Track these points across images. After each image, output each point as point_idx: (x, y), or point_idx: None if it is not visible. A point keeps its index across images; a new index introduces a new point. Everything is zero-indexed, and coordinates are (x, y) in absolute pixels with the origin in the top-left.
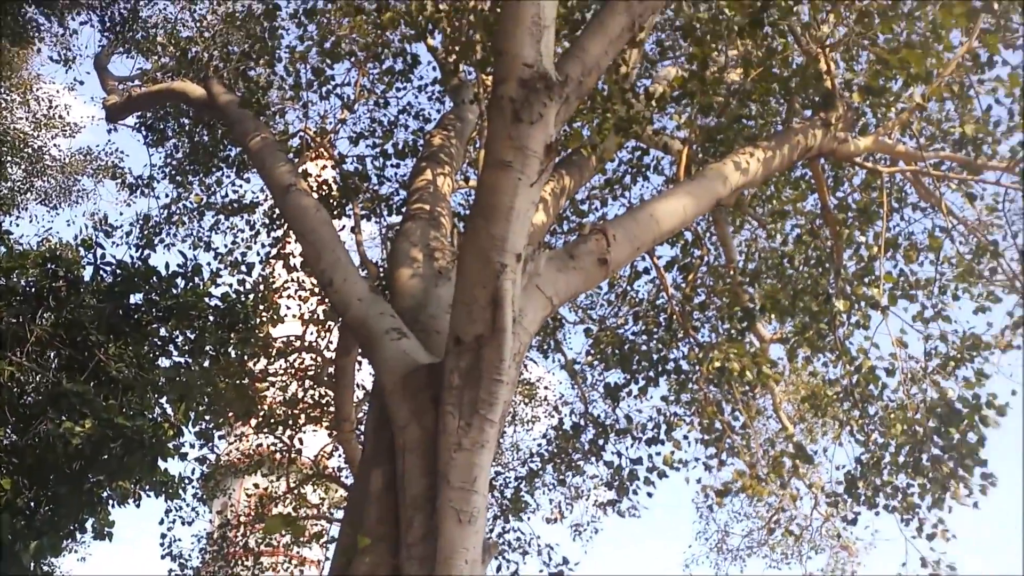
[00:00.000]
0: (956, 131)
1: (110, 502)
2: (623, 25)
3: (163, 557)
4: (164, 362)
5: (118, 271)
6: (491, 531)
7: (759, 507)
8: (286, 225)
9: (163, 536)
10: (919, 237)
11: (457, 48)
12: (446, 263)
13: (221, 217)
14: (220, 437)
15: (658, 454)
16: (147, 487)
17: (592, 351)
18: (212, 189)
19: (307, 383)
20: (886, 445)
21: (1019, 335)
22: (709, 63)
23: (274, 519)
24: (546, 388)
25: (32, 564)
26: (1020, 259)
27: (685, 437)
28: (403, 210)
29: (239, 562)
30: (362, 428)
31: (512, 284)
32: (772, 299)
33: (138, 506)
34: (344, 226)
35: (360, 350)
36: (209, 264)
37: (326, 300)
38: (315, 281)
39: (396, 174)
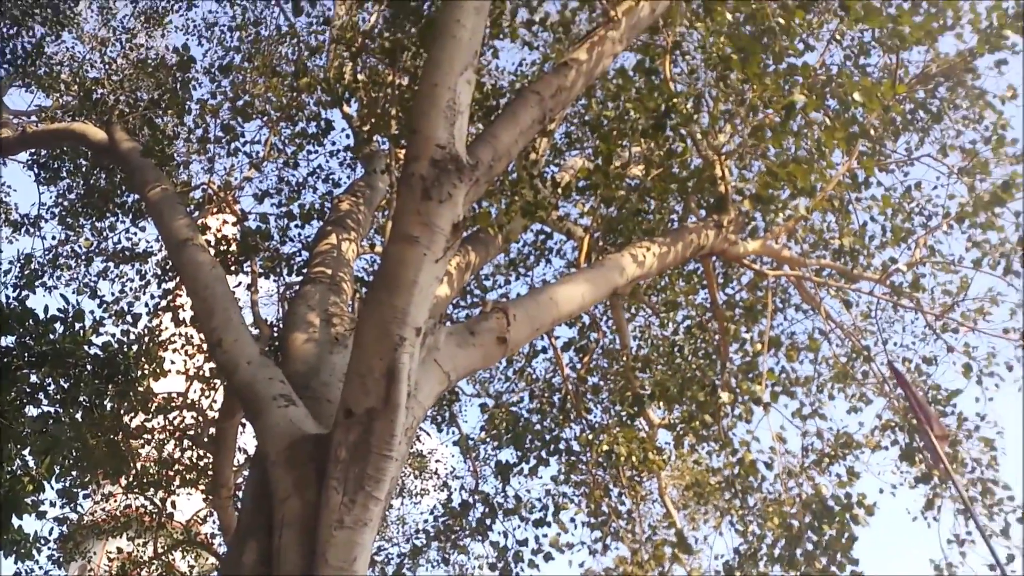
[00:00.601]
0: (836, 242)
1: None
2: (534, 117)
3: None
4: (32, 411)
5: None
6: None
7: None
8: (179, 278)
9: None
10: (800, 338)
11: (372, 120)
12: (344, 330)
13: (111, 264)
14: (85, 496)
15: (544, 536)
16: None
17: (486, 427)
18: (104, 234)
19: (185, 443)
20: (763, 537)
21: (887, 437)
22: (613, 158)
23: None
24: (438, 461)
25: None
26: (888, 365)
27: (572, 520)
28: (304, 272)
29: None
30: (240, 496)
31: (409, 358)
32: (662, 386)
33: None
34: (240, 282)
35: (244, 414)
36: (92, 312)
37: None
38: (204, 337)
39: (300, 235)
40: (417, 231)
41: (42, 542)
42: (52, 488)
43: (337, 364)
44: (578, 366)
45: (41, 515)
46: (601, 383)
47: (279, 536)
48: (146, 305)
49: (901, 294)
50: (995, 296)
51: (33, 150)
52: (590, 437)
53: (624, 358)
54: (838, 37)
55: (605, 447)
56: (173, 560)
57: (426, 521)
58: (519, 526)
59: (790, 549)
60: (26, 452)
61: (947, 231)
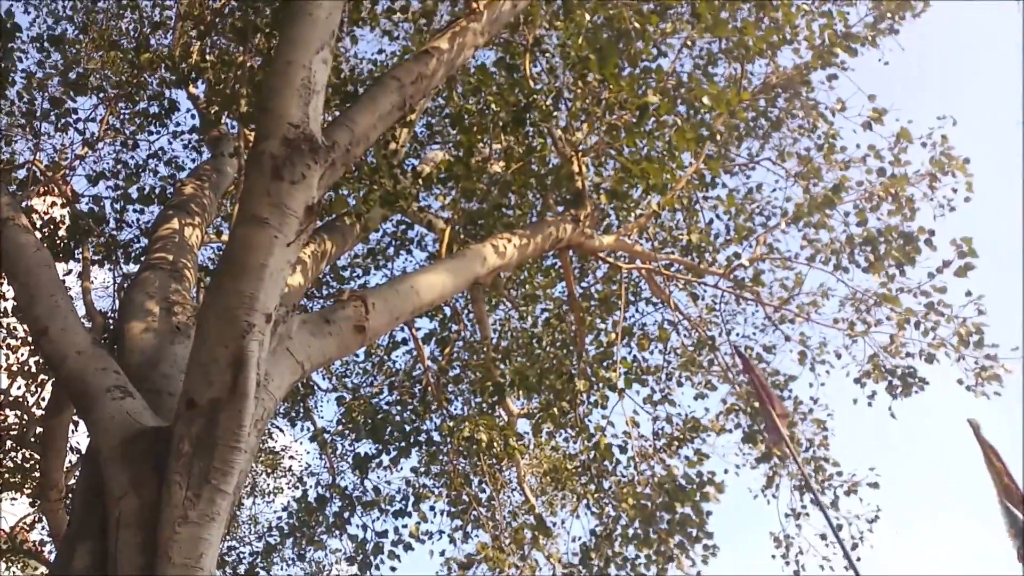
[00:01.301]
0: (684, 238)
1: None
2: (394, 103)
3: None
4: None
5: None
6: None
7: None
8: None
9: None
10: (650, 328)
11: (219, 100)
12: (186, 319)
13: None
14: None
15: (404, 526)
16: None
17: (344, 420)
18: None
19: (8, 444)
20: (618, 518)
21: (731, 421)
22: (474, 151)
23: None
24: (291, 458)
25: None
26: (734, 349)
27: (432, 508)
28: (142, 259)
29: None
30: (72, 498)
31: (259, 346)
32: (521, 375)
33: None
34: (71, 270)
35: (75, 409)
36: None
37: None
38: (27, 327)
39: (139, 220)
40: (267, 212)
41: None
42: None
43: (179, 355)
44: (439, 357)
45: None
46: (462, 374)
47: (115, 537)
48: None
49: (743, 288)
50: (826, 290)
51: None
52: (451, 425)
53: (485, 349)
54: (689, 44)
55: (467, 434)
56: None
57: (279, 519)
58: (378, 518)
59: (644, 528)
60: None
61: (784, 230)
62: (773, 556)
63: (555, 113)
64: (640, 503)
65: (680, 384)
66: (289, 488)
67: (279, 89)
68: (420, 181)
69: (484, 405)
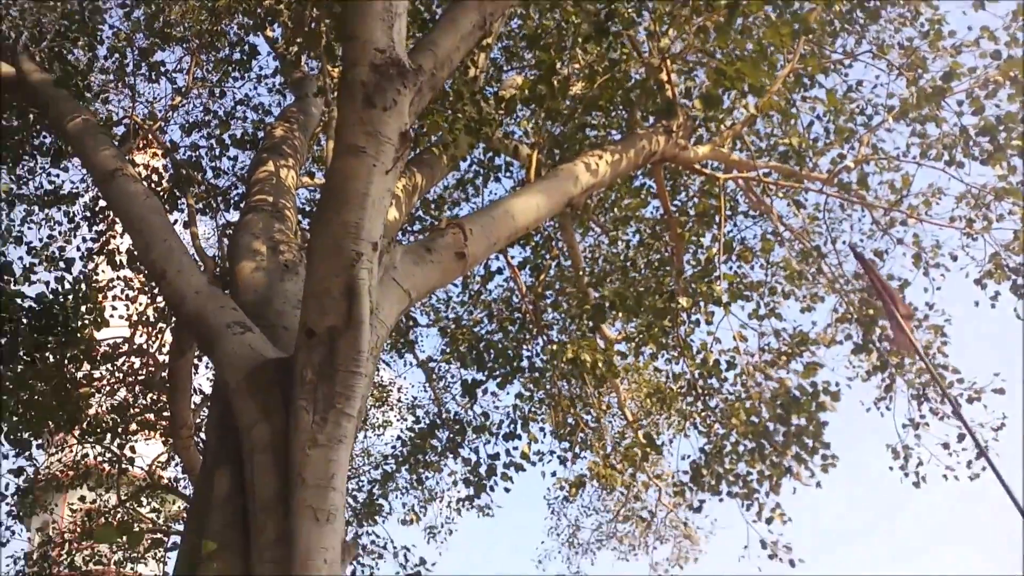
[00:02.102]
0: (783, 144)
1: None
2: (474, 22)
3: None
4: None
5: None
6: (345, 534)
7: (608, 501)
8: (110, 217)
9: None
10: (751, 242)
11: (299, 40)
12: (292, 257)
13: (35, 208)
14: (38, 446)
15: (516, 448)
16: None
17: (447, 350)
18: (23, 179)
19: (138, 389)
20: (728, 435)
21: (841, 332)
22: (555, 70)
23: (107, 528)
24: (400, 390)
25: None
26: (851, 249)
27: (541, 430)
28: (242, 204)
29: None
30: (202, 435)
31: (368, 273)
32: (620, 297)
33: None
34: (177, 220)
35: (197, 350)
36: (21, 259)
37: (157, 299)
38: (143, 280)
39: (233, 167)
40: (363, 141)
41: None
42: (3, 444)
43: (289, 291)
44: (535, 284)
45: None
46: (558, 300)
47: (251, 463)
48: (78, 249)
49: (848, 192)
50: (938, 189)
51: None
52: (554, 349)
53: (578, 276)
54: None
55: (570, 355)
56: (138, 507)
57: (393, 448)
58: (489, 442)
59: (758, 443)
60: None
61: (890, 128)
62: (891, 468)
63: (638, 20)
64: (751, 419)
65: (786, 297)
66: (398, 421)
67: (362, 16)
68: (503, 106)
69: (583, 330)
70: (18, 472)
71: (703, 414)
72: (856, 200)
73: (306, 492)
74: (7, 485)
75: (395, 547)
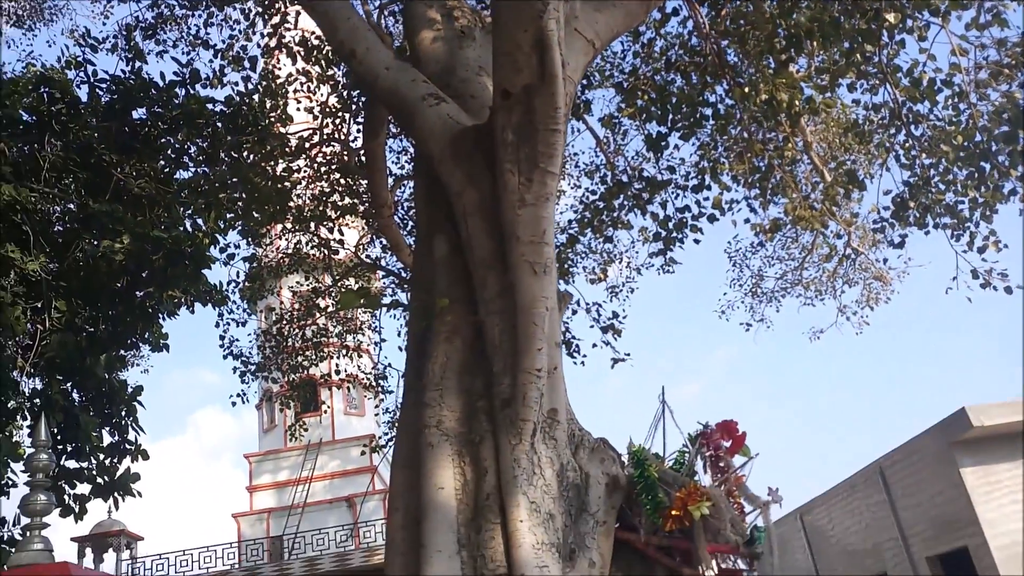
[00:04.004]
0: None
1: (160, 315)
2: None
3: (225, 357)
4: (182, 174)
5: (114, 87)
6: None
7: (793, 249)
8: (283, 9)
9: (221, 338)
10: None
11: None
12: (467, 22)
13: (213, 10)
14: (256, 237)
15: (706, 199)
16: (193, 296)
17: (623, 106)
18: None
19: (334, 176)
20: (936, 164)
21: None
22: None
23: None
24: (575, 155)
25: (106, 375)
26: None
27: (733, 177)
28: None
29: (300, 353)
30: (400, 212)
31: (556, 23)
32: (819, 21)
33: (192, 312)
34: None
35: (390, 129)
36: (211, 62)
37: (339, 86)
38: (321, 70)
39: None
40: None
41: (232, 286)
42: (224, 240)
43: (470, 58)
44: (716, 20)
45: (231, 257)
46: (745, 34)
47: (465, 226)
48: (258, 46)
49: None
50: None
51: None
52: (746, 90)
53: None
54: None
55: (764, 95)
56: (349, 285)
57: (575, 211)
58: (677, 195)
59: (977, 165)
60: (190, 212)
61: None
62: None
63: None
64: (967, 142)
65: None
66: (571, 188)
67: None
68: None
69: (776, 64)
70: (251, 259)
71: (907, 145)
72: None
73: (521, 248)
74: (239, 273)
75: (587, 303)
